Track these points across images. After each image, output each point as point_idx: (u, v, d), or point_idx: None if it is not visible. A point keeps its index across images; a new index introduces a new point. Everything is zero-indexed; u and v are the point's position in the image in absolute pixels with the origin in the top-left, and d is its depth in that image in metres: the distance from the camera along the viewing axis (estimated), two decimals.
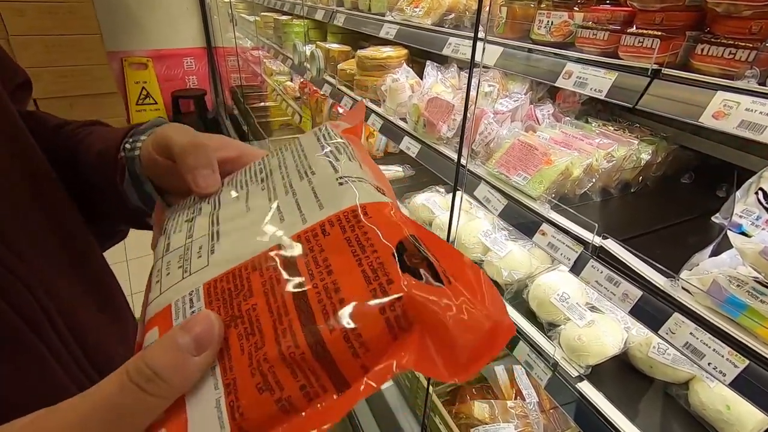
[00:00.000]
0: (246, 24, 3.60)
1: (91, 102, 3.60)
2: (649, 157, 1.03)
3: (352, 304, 0.23)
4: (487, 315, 0.24)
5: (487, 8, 0.78)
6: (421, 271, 0.24)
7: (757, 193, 0.88)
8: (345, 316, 0.23)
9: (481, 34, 0.81)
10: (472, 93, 0.90)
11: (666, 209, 0.99)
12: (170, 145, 0.37)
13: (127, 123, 3.99)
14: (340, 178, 0.30)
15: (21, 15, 3.12)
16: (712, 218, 0.94)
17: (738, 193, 0.88)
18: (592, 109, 1.29)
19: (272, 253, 0.27)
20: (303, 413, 0.22)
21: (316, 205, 0.29)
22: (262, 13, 3.21)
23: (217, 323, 0.23)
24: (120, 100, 3.82)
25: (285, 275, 0.25)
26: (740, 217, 0.86)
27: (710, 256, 0.74)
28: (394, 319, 0.23)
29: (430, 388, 1.24)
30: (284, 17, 2.80)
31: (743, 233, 0.84)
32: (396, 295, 0.23)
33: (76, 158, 0.46)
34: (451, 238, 1.19)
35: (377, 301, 0.23)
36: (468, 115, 0.88)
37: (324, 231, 0.27)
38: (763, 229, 0.81)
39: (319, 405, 0.22)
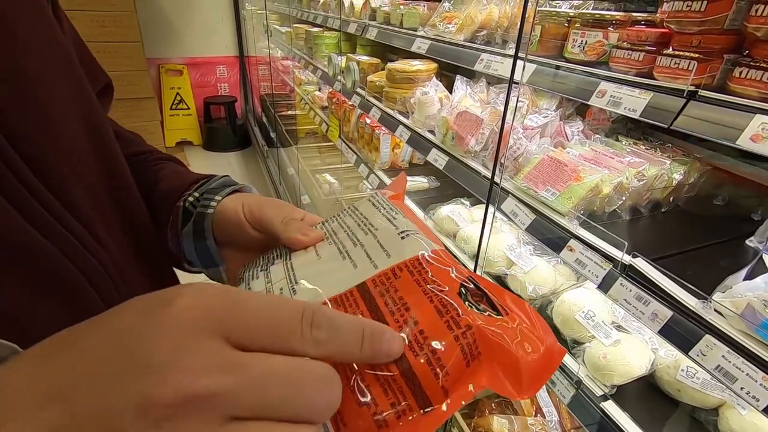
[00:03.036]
0: (278, 35, 3.72)
1: (129, 105, 3.76)
2: (681, 177, 1.02)
3: (431, 333, 0.26)
4: (540, 339, 0.28)
5: (529, 27, 0.80)
6: (482, 305, 0.28)
7: None
8: (427, 344, 0.26)
9: (521, 53, 0.83)
10: (509, 112, 0.91)
11: (697, 230, 0.98)
12: (269, 224, 0.42)
13: (161, 127, 4.15)
14: (402, 232, 0.34)
15: (72, 23, 3.30)
16: (747, 242, 0.93)
17: None
18: (623, 128, 1.29)
19: (352, 293, 0.30)
20: (394, 430, 0.24)
21: (384, 254, 0.33)
22: (294, 25, 3.31)
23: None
24: (155, 105, 3.97)
25: (367, 311, 0.29)
26: None
27: (744, 280, 0.73)
28: (467, 345, 0.26)
29: None
30: (315, 29, 2.88)
31: None
32: (466, 326, 0.27)
33: (144, 190, 0.49)
34: (481, 254, 1.20)
35: (452, 331, 0.26)
36: (504, 133, 0.90)
37: (395, 275, 0.31)
38: None
39: (406, 422, 0.24)
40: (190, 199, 0.48)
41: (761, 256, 0.73)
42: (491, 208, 1.04)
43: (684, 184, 1.04)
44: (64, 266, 0.31)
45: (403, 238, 0.34)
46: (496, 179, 1.04)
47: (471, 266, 1.33)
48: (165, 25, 4.34)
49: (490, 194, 1.05)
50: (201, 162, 4.47)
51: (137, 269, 0.42)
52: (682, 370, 0.90)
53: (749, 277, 0.74)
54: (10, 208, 0.28)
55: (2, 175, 0.28)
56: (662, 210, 1.05)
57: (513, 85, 0.91)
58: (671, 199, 1.05)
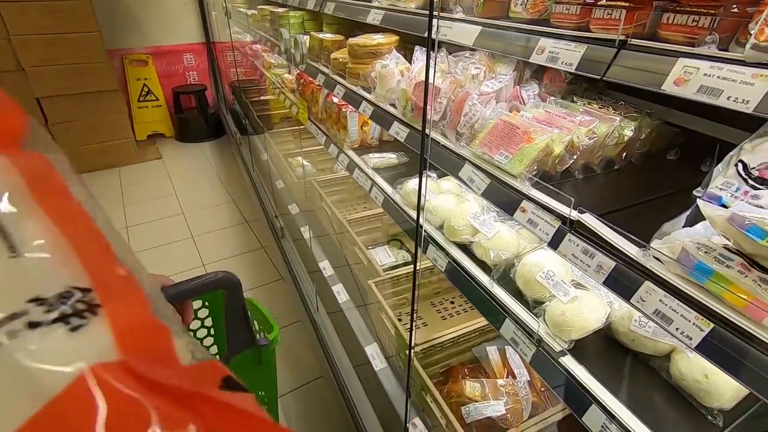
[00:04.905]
0: (244, 18, 3.61)
1: (93, 99, 3.65)
2: (632, 133, 1.03)
3: None
4: None
5: None
6: None
7: (736, 165, 0.89)
8: None
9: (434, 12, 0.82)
10: (431, 66, 0.91)
11: (649, 185, 1.00)
12: None
13: (129, 119, 4.04)
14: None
15: (21, 14, 3.16)
16: (694, 192, 0.95)
17: (719, 166, 0.89)
18: (579, 89, 1.29)
19: None
20: None
21: None
22: (259, 6, 3.22)
23: None
24: (121, 97, 3.86)
25: None
26: (720, 189, 0.86)
27: (685, 227, 0.74)
28: None
29: (412, 352, 1.25)
30: (280, 9, 2.81)
31: (723, 205, 0.85)
32: None
33: None
34: (421, 211, 1.22)
35: None
36: (429, 83, 0.90)
37: None
38: (741, 200, 0.81)
39: None
40: None
41: (697, 202, 0.74)
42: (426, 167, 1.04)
43: (636, 140, 1.05)
44: None
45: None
46: (427, 131, 1.05)
47: (439, 237, 1.34)
48: (125, 14, 4.18)
49: (422, 147, 1.05)
50: (175, 154, 4.38)
51: None
52: (635, 320, 0.93)
53: (691, 224, 0.75)
54: None
55: None
56: (615, 167, 1.06)
57: (431, 42, 0.91)
58: (624, 156, 1.07)
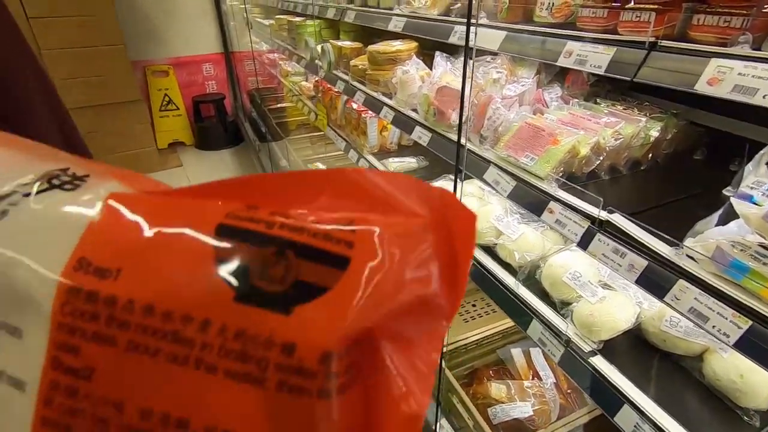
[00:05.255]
0: (261, 28, 3.69)
1: (116, 110, 3.76)
2: (658, 134, 1.03)
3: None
4: (412, 211, 0.17)
5: None
6: (301, 272, 0.16)
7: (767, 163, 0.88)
8: None
9: (474, 20, 0.84)
10: (469, 73, 0.93)
11: (677, 185, 1.00)
12: None
13: (152, 129, 4.15)
14: None
15: (50, 29, 3.30)
16: (724, 191, 0.94)
17: (750, 165, 0.88)
18: (602, 90, 1.29)
19: None
20: None
21: None
22: (277, 16, 3.29)
23: None
24: (144, 107, 3.97)
25: None
26: (751, 188, 0.86)
27: (717, 225, 0.74)
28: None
29: (443, 362, 1.27)
30: (298, 19, 2.87)
31: (755, 204, 0.84)
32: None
33: None
34: None
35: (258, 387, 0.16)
36: (466, 93, 0.92)
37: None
38: None
39: None
40: None
41: (730, 202, 0.74)
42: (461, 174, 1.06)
43: (662, 140, 1.05)
44: None
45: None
46: (462, 141, 1.06)
47: None
48: (147, 27, 4.31)
49: (458, 158, 1.07)
50: (195, 161, 4.48)
51: None
52: (666, 320, 0.92)
53: (723, 223, 0.75)
54: None
55: None
56: (642, 168, 1.06)
57: (469, 50, 0.92)
58: (650, 156, 1.07)
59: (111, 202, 0.18)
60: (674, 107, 1.14)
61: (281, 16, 3.21)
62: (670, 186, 0.99)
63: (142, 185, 0.20)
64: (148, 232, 0.17)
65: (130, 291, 0.16)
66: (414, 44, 1.80)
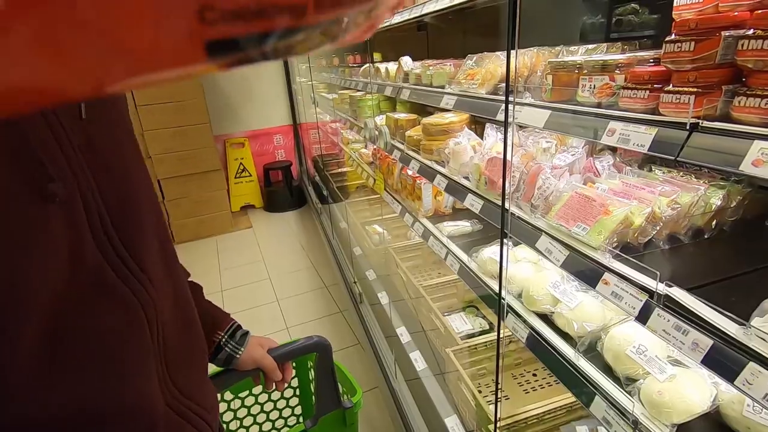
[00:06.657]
0: (325, 101, 4.09)
1: (200, 178, 4.24)
2: (721, 201, 1.00)
3: None
4: None
5: (527, 75, 0.88)
6: None
7: None
8: None
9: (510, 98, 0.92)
10: (508, 147, 1.00)
11: (744, 255, 0.95)
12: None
13: (227, 195, 4.59)
14: None
15: (152, 114, 3.89)
16: None
17: None
18: (656, 157, 1.28)
19: None
20: None
21: None
22: (340, 91, 3.64)
23: None
24: (222, 175, 4.44)
25: None
26: None
27: None
28: None
29: (496, 427, 1.21)
30: (358, 93, 3.16)
31: None
32: None
33: None
34: (502, 280, 1.24)
35: None
36: (507, 160, 0.98)
37: None
38: None
39: None
40: (224, 342, 0.84)
41: None
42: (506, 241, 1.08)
43: (726, 208, 1.02)
44: (132, 301, 0.48)
45: None
46: (506, 205, 1.10)
47: (517, 306, 1.34)
48: (228, 106, 4.93)
49: (503, 221, 1.10)
50: (263, 222, 4.84)
51: (173, 315, 0.57)
52: (748, 405, 0.84)
53: None
54: (107, 266, 0.45)
55: (105, 246, 0.45)
56: (705, 236, 1.03)
57: (508, 125, 1.00)
58: (714, 224, 1.03)
59: None
60: (737, 173, 1.11)
61: (343, 91, 3.55)
62: (736, 256, 0.95)
63: None
64: None
65: None
66: (466, 116, 1.91)
